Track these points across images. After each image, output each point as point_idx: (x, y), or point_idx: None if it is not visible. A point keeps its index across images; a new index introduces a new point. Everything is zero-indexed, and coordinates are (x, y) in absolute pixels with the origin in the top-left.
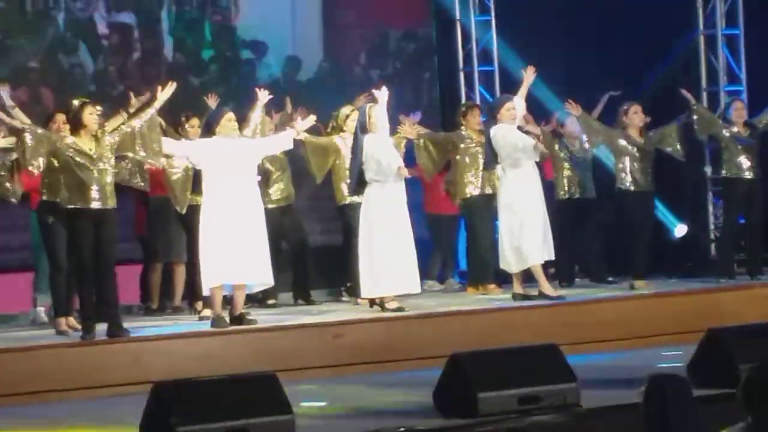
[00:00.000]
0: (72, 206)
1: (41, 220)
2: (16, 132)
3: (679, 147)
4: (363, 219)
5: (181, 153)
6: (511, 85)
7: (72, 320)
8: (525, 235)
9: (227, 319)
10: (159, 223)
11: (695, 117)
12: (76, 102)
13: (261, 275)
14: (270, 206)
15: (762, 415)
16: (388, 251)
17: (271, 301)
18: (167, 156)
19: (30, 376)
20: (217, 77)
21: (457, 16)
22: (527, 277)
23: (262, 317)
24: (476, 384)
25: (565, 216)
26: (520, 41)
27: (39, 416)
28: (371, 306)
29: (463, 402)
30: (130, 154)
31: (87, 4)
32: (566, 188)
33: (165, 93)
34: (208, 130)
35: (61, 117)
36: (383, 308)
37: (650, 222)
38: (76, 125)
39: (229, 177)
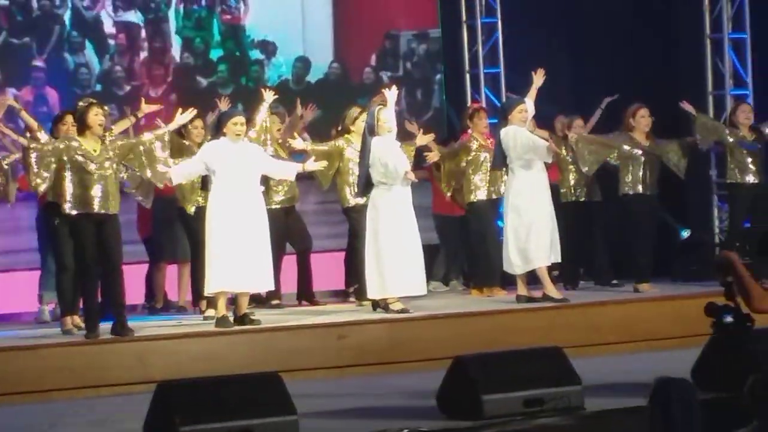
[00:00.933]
0: (75, 212)
1: (47, 220)
2: (22, 148)
3: (681, 164)
4: (369, 221)
5: (195, 175)
6: (517, 88)
7: (77, 319)
8: (532, 238)
9: (231, 319)
10: (164, 222)
11: (697, 127)
12: (82, 103)
13: (262, 281)
14: (274, 207)
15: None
16: (395, 253)
17: (274, 302)
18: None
19: (35, 375)
20: (225, 77)
21: (464, 18)
22: (531, 279)
23: (266, 317)
24: (481, 386)
25: (570, 218)
26: (526, 43)
27: (43, 415)
28: (375, 309)
29: (468, 404)
30: (137, 171)
31: (93, 3)
32: (572, 190)
33: (183, 117)
34: (217, 130)
35: (70, 118)
36: (387, 310)
37: (655, 225)
38: (82, 126)
39: (233, 181)
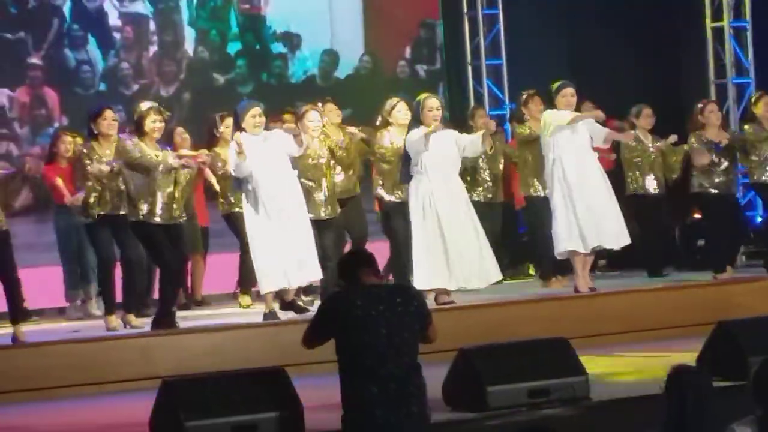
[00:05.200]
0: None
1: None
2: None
3: None
4: (411, 212)
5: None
6: (518, 79)
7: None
8: None
9: (278, 314)
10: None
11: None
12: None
13: (311, 272)
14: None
15: None
16: (426, 246)
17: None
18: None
19: (40, 372)
20: (244, 74)
21: (465, 10)
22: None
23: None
24: (485, 377)
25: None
26: (527, 35)
27: (49, 412)
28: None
29: (472, 395)
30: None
31: None
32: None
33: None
34: (236, 126)
35: (110, 113)
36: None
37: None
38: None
39: (266, 174)
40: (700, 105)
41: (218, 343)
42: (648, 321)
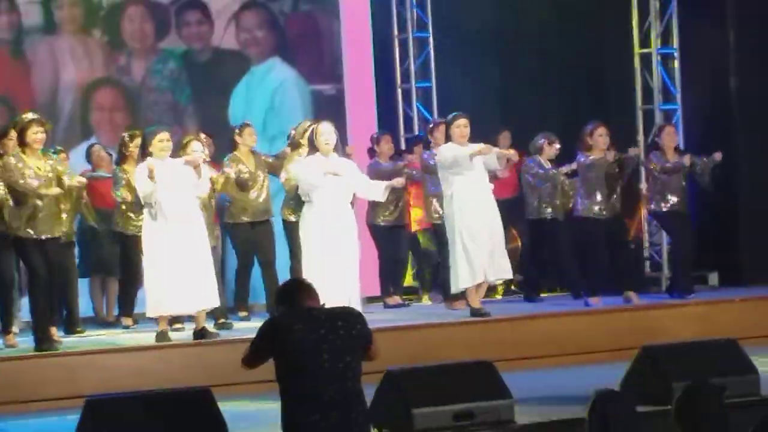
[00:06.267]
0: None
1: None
2: None
3: None
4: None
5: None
6: (448, 102)
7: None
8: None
9: (170, 335)
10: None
11: None
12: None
13: (206, 300)
14: (239, 221)
15: None
16: (320, 267)
17: (242, 314)
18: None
19: None
20: (160, 95)
21: (395, 33)
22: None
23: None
24: (411, 399)
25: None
26: (457, 58)
27: None
28: None
29: (398, 417)
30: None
31: None
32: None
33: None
34: (143, 152)
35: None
36: None
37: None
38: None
39: (170, 200)
40: (590, 126)
41: (143, 363)
42: (573, 345)
